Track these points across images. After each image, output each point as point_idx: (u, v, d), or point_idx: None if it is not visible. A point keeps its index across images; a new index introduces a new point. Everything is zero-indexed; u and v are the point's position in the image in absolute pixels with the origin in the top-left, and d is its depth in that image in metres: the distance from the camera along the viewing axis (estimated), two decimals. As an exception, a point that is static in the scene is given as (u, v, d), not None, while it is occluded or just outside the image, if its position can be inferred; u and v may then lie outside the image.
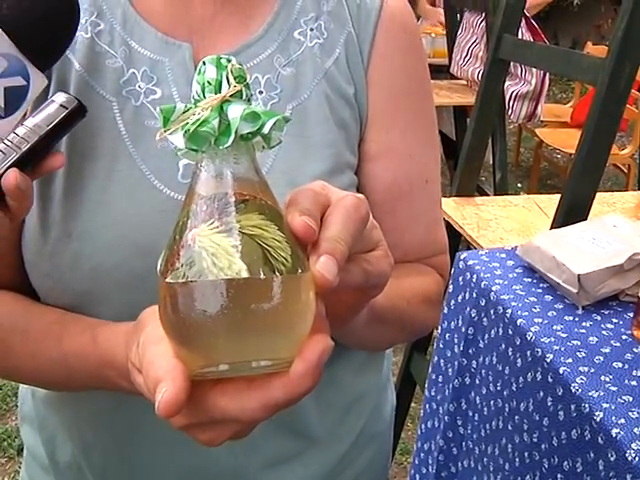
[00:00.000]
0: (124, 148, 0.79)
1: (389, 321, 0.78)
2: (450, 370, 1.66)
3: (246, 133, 0.50)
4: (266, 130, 0.50)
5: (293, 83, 0.83)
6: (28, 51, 0.63)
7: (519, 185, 6.08)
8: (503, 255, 1.58)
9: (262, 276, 0.46)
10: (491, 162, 3.55)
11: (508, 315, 1.37)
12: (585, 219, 1.67)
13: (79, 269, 0.78)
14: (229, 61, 0.51)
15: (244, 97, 0.51)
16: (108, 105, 0.80)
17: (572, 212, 1.67)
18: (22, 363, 0.82)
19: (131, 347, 0.61)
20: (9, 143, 0.63)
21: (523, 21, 3.49)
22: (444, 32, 4.18)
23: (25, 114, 0.66)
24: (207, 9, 0.82)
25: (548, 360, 1.22)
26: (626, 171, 5.54)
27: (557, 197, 2.35)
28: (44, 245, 0.79)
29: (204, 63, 0.51)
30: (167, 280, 0.48)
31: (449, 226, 2.15)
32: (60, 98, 0.66)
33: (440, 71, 4.18)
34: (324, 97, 0.83)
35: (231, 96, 0.50)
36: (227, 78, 0.50)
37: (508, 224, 2.07)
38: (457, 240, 2.25)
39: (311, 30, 0.85)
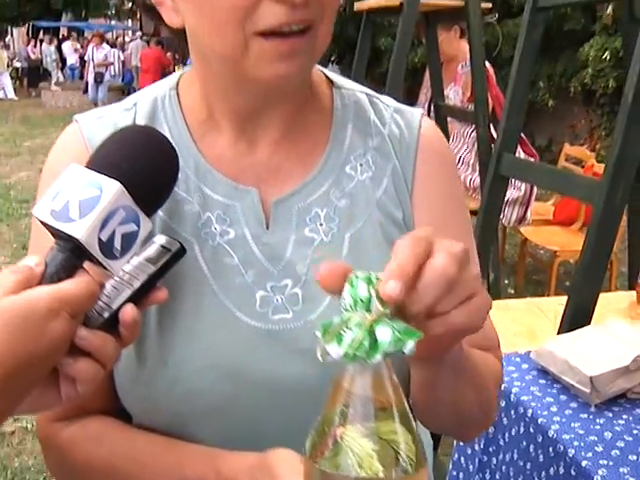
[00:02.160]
0: (207, 284, 0.86)
1: (467, 376, 0.85)
2: (471, 467, 1.77)
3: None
4: (406, 351, 0.59)
5: (349, 214, 0.90)
6: (140, 201, 0.69)
7: (506, 282, 6.23)
8: (518, 359, 1.73)
9: (394, 476, 0.57)
10: (484, 262, 3.72)
11: (529, 415, 1.51)
12: (589, 323, 1.83)
13: (174, 393, 0.85)
14: (378, 279, 0.60)
15: (388, 313, 0.61)
16: (190, 246, 0.85)
17: (577, 317, 1.82)
18: None
19: None
20: (120, 280, 0.69)
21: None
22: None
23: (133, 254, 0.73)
24: (269, 155, 0.90)
25: (570, 455, 1.35)
26: (608, 267, 5.72)
27: (554, 299, 2.53)
28: (140, 373, 0.86)
29: (356, 277, 0.60)
30: (318, 467, 0.60)
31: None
32: (162, 239, 0.73)
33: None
34: (377, 224, 0.90)
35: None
36: (377, 297, 0.59)
37: (514, 327, 2.21)
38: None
39: (360, 165, 0.92)
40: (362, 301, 0.60)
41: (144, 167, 0.71)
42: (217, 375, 0.84)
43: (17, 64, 24.06)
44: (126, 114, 0.92)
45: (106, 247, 0.66)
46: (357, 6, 3.86)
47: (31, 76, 23.15)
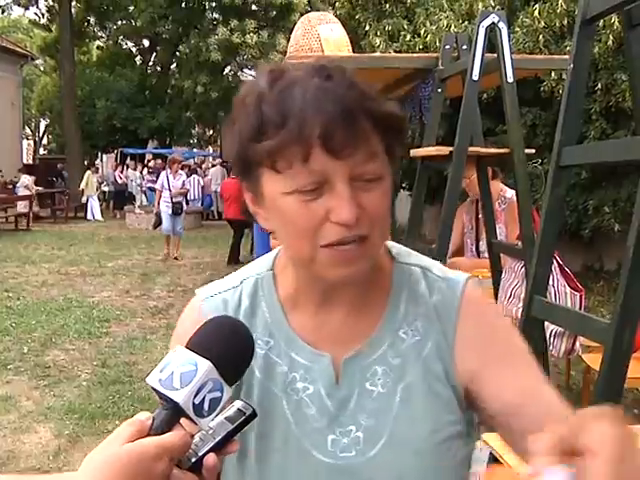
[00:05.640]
0: (291, 430, 1.08)
1: None
2: None
3: None
4: None
5: (401, 370, 1.08)
6: (224, 375, 0.88)
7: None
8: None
9: None
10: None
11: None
12: None
13: None
14: None
15: None
16: (279, 400, 1.09)
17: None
18: None
19: None
20: (205, 433, 0.88)
21: (556, 264, 3.96)
22: (490, 275, 4.62)
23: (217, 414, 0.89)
24: (340, 326, 1.11)
25: None
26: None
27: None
28: None
29: None
30: None
31: None
32: (239, 403, 0.92)
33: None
34: (422, 378, 1.08)
35: None
36: None
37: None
38: None
39: (411, 330, 1.10)
40: None
41: (229, 351, 0.92)
42: None
43: (105, 188, 25.51)
44: (234, 292, 1.16)
45: (198, 409, 0.86)
46: (412, 153, 4.17)
47: (117, 199, 24.52)
